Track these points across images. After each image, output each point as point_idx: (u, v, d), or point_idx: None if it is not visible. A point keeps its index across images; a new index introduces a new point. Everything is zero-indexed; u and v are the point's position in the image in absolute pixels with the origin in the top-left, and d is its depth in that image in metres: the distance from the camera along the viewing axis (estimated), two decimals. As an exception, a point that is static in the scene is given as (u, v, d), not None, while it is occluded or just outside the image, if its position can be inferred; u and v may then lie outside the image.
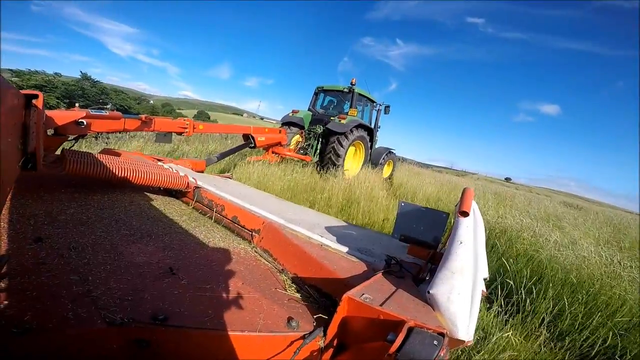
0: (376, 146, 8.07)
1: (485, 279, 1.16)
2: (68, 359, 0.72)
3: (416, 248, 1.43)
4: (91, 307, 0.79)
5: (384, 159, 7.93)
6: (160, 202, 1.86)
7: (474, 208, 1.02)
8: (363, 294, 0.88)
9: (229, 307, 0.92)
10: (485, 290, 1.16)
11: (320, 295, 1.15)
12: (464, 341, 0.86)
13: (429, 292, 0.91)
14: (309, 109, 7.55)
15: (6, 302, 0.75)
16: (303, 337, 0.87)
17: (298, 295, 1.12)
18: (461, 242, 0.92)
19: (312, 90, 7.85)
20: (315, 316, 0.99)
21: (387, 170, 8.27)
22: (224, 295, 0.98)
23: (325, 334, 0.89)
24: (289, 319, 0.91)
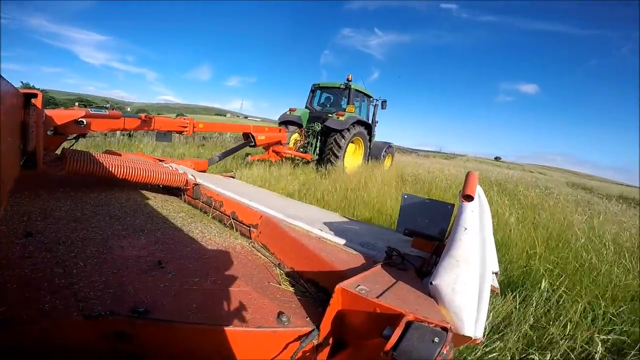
0: (374, 140, 8.00)
1: (495, 273, 1.06)
2: (45, 350, 0.69)
3: (420, 241, 1.35)
4: (70, 300, 0.76)
5: (384, 153, 7.85)
6: (158, 200, 1.84)
7: (479, 192, 0.93)
8: (358, 285, 0.81)
9: (216, 301, 0.87)
10: (497, 285, 1.06)
11: (318, 289, 1.08)
12: (470, 338, 0.78)
13: (431, 283, 0.83)
14: (306, 107, 7.53)
15: None
16: (298, 337, 0.81)
17: (292, 289, 1.06)
18: (466, 229, 0.84)
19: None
20: (309, 311, 0.93)
21: (387, 164, 8.20)
22: (212, 288, 0.93)
23: (318, 330, 0.82)
24: (280, 314, 0.85)
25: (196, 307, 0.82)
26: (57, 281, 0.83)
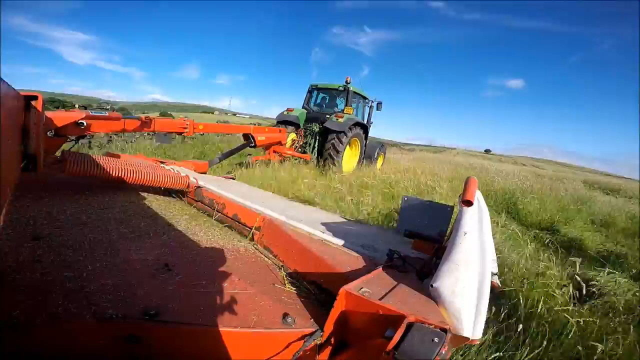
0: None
1: (495, 274, 1.09)
2: (58, 353, 0.71)
3: (421, 242, 1.38)
4: (82, 303, 0.78)
5: (377, 153, 7.94)
6: (160, 202, 1.85)
7: (478, 197, 0.96)
8: (361, 288, 0.84)
9: (223, 303, 0.89)
10: (498, 282, 1.09)
11: (320, 291, 1.11)
12: (469, 338, 0.81)
13: (431, 286, 0.86)
14: (303, 107, 7.58)
15: None
16: (302, 337, 0.84)
17: (296, 291, 1.09)
18: (465, 233, 0.87)
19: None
20: (313, 312, 0.96)
21: (379, 163, 8.32)
22: (219, 291, 0.95)
23: (322, 331, 0.85)
24: (285, 315, 0.88)
25: (204, 310, 0.84)
26: (68, 285, 0.85)
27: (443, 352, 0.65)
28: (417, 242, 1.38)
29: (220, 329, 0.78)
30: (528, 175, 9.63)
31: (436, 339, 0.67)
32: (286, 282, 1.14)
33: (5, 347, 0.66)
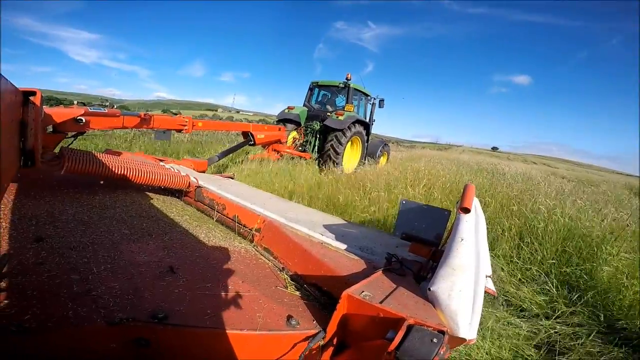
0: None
1: (488, 276, 1.14)
2: (69, 357, 0.72)
3: (418, 246, 1.42)
4: (91, 306, 0.79)
5: (380, 152, 7.94)
6: (161, 202, 1.86)
7: (475, 204, 1.00)
8: (363, 292, 0.87)
9: (229, 306, 0.92)
10: (492, 288, 1.14)
11: (321, 293, 1.14)
12: (465, 339, 0.85)
13: (429, 290, 0.90)
14: (304, 105, 7.51)
15: (6, 301, 0.76)
16: (306, 339, 0.87)
17: (298, 293, 1.12)
18: (462, 239, 0.90)
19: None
20: (315, 314, 0.99)
21: (383, 162, 8.29)
22: (224, 293, 0.98)
23: (325, 332, 0.88)
24: (289, 317, 0.91)
25: (211, 312, 0.86)
26: (75, 288, 0.86)
27: (442, 352, 0.68)
28: (414, 246, 1.42)
29: (227, 332, 0.80)
30: (571, 187, 6.02)
31: (435, 340, 0.71)
32: (288, 284, 1.17)
33: (16, 352, 0.67)
